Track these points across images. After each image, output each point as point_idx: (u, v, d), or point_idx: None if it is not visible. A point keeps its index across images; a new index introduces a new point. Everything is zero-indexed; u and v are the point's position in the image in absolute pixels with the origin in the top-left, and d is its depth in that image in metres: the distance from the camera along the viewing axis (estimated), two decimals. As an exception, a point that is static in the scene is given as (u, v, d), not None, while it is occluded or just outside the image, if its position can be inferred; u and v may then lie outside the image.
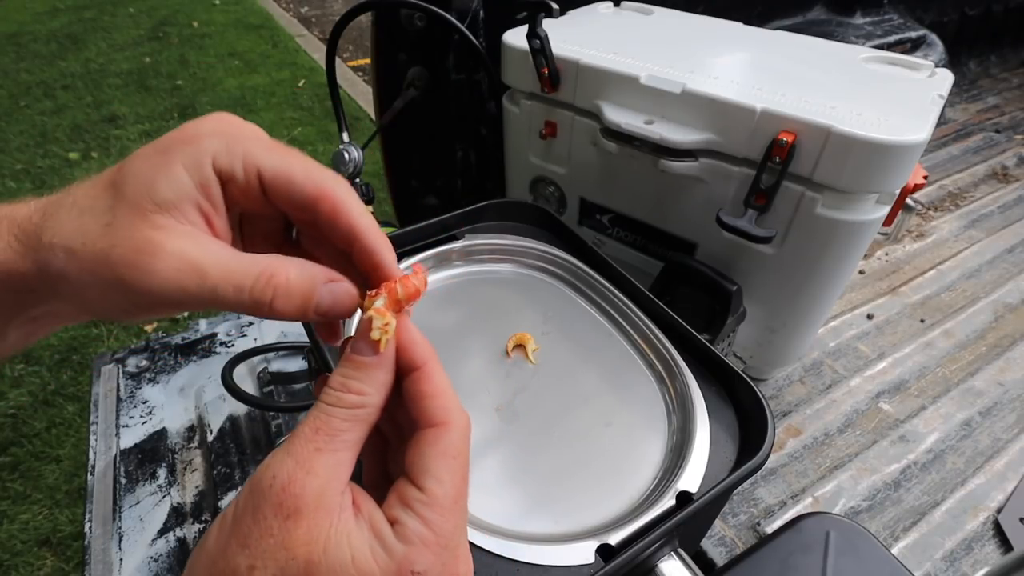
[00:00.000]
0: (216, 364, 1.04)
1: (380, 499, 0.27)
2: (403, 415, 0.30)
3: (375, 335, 0.28)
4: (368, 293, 0.30)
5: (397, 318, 0.29)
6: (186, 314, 2.28)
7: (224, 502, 0.85)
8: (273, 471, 0.24)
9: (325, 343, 0.36)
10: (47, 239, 0.26)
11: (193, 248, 0.26)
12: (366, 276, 0.31)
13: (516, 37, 0.87)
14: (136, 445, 0.92)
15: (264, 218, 0.33)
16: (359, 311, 0.30)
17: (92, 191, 0.27)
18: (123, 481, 0.87)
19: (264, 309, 0.27)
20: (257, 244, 0.34)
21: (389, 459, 0.32)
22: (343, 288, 0.29)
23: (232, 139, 0.28)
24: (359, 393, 0.27)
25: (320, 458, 0.25)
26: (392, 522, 0.25)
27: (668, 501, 0.50)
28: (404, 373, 0.29)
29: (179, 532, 0.81)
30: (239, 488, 0.87)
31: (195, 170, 0.27)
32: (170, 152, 0.27)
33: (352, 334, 0.29)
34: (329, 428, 0.26)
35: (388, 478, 0.31)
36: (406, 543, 0.24)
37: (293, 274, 0.27)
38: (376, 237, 0.30)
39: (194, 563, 0.25)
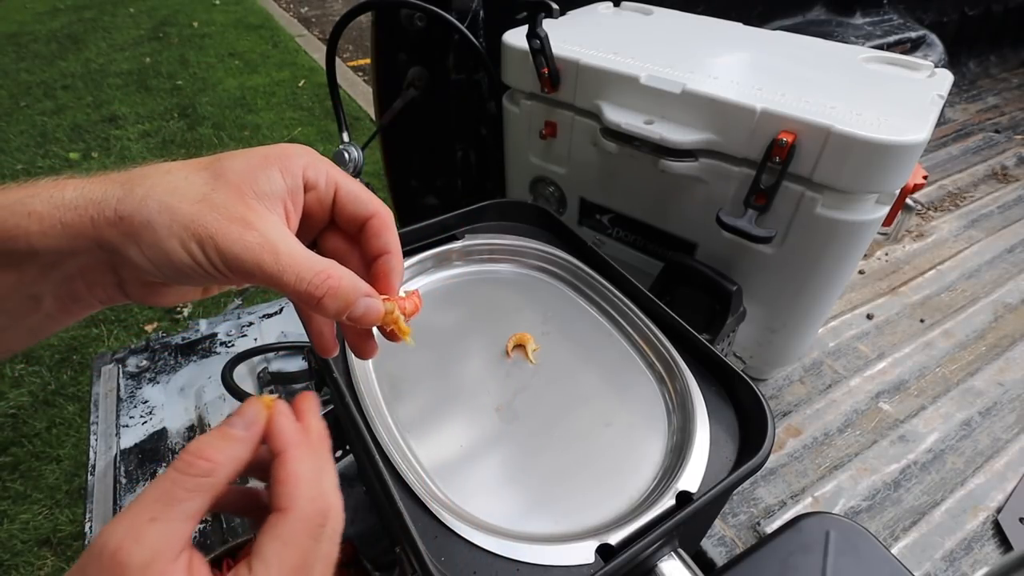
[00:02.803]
0: (216, 364, 1.04)
1: None
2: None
3: (391, 319, 0.35)
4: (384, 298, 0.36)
5: (273, 406, 0.32)
6: (186, 314, 2.28)
7: (224, 502, 0.85)
8: (106, 536, 0.25)
9: (322, 355, 0.41)
10: (140, 192, 0.30)
11: (275, 233, 0.31)
12: (376, 284, 0.36)
13: (516, 37, 0.87)
14: (136, 445, 0.92)
15: (307, 230, 0.38)
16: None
17: (185, 169, 0.32)
18: (123, 481, 0.87)
19: (312, 302, 0.32)
20: None
21: None
22: (375, 304, 0.34)
23: (317, 159, 0.35)
24: (210, 460, 0.28)
25: (152, 528, 0.25)
26: None
27: (668, 501, 0.50)
28: (273, 457, 0.30)
29: (179, 532, 0.81)
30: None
31: (290, 176, 0.33)
32: (270, 158, 0.33)
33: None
34: (169, 497, 0.26)
35: None
36: None
37: (345, 281, 0.32)
38: (399, 260, 0.37)
39: None
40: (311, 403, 0.34)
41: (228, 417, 0.31)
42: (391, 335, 0.37)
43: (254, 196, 0.31)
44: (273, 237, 0.31)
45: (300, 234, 0.36)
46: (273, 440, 0.31)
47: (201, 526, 0.82)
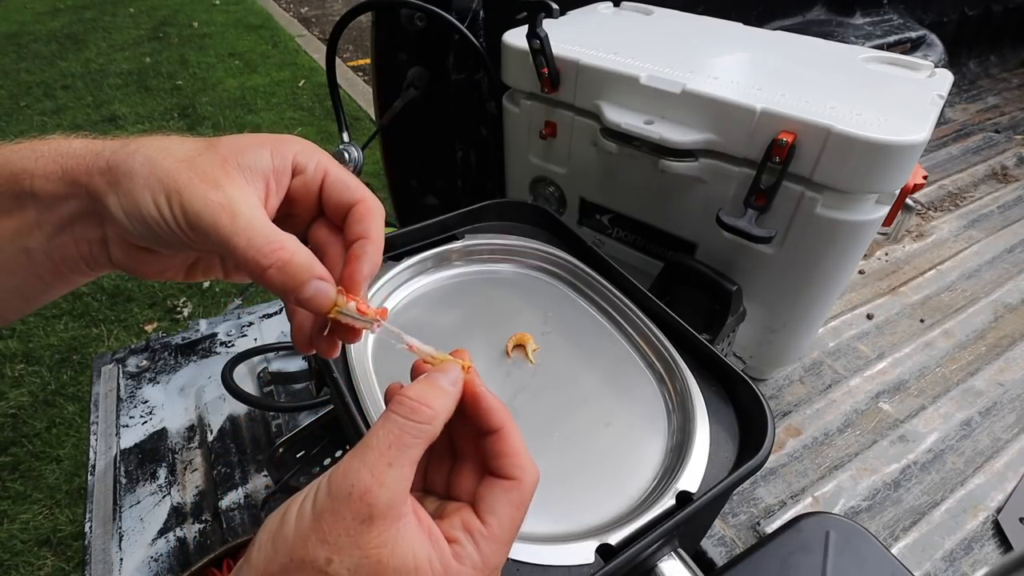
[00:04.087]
0: (216, 364, 1.04)
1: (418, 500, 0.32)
2: (460, 441, 0.35)
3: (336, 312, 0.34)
4: (339, 290, 0.34)
5: (477, 383, 0.34)
6: (186, 314, 2.28)
7: (224, 502, 0.85)
8: (352, 480, 0.27)
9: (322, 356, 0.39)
10: (133, 147, 0.32)
11: (241, 199, 0.32)
12: (346, 267, 0.35)
13: (516, 37, 0.87)
14: (136, 445, 0.92)
15: (295, 219, 0.38)
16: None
17: (187, 140, 0.34)
18: (123, 481, 0.87)
19: (259, 271, 0.31)
20: None
21: (430, 472, 0.36)
22: (325, 289, 0.33)
23: (311, 149, 0.36)
24: (432, 408, 0.30)
25: (391, 472, 0.28)
26: (451, 541, 0.29)
27: (668, 501, 0.50)
28: (485, 433, 0.33)
29: (179, 532, 0.81)
30: (239, 488, 0.87)
31: (279, 158, 0.34)
32: (264, 140, 0.35)
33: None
34: (401, 443, 0.29)
35: (424, 485, 0.36)
36: (460, 563, 0.29)
37: (297, 257, 0.32)
38: (375, 248, 0.35)
39: (273, 547, 0.27)
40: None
41: (430, 372, 0.33)
42: (346, 333, 0.36)
43: (236, 167, 0.32)
44: (237, 202, 0.31)
45: (289, 224, 0.36)
46: (491, 416, 0.33)
47: (200, 526, 0.82)
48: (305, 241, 0.39)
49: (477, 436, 0.34)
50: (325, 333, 0.37)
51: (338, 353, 0.39)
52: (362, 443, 0.29)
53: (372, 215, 0.36)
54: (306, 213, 0.37)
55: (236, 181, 0.32)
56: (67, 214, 0.33)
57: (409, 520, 0.28)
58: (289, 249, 0.32)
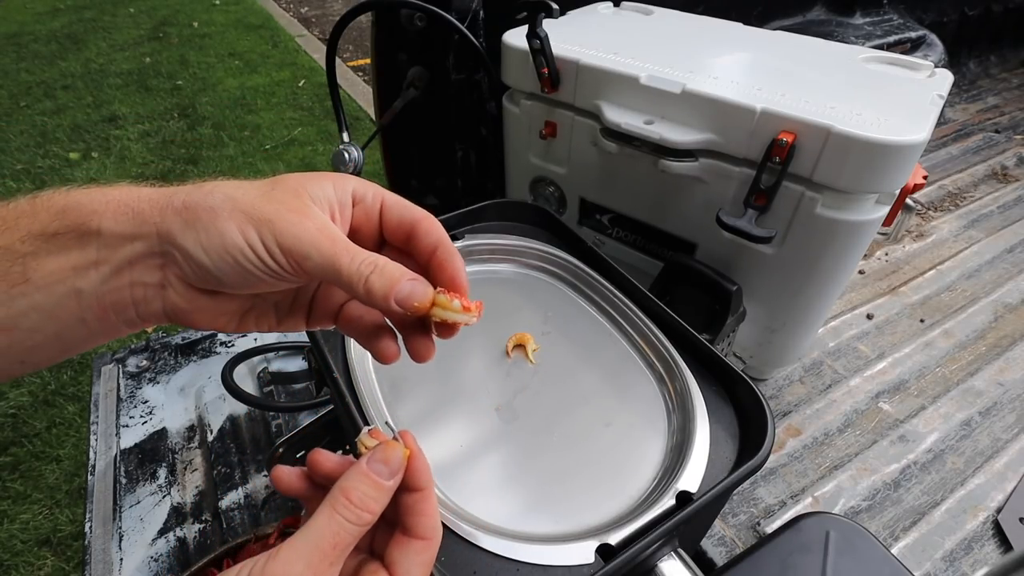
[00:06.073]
0: (216, 364, 1.04)
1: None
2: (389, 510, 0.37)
3: (442, 303, 0.35)
4: (439, 290, 0.37)
5: (410, 448, 0.36)
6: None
7: (224, 502, 0.85)
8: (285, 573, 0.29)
9: (381, 361, 0.41)
10: (208, 187, 0.34)
11: (330, 223, 0.35)
12: (440, 283, 0.38)
13: (516, 37, 0.87)
14: (136, 445, 0.92)
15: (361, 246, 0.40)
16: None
17: (253, 181, 0.36)
18: (123, 481, 0.87)
19: (361, 281, 0.34)
20: None
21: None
22: (422, 284, 0.35)
23: (368, 182, 0.39)
24: (372, 512, 0.33)
25: (330, 571, 0.30)
26: None
27: (668, 501, 0.50)
28: (407, 490, 0.35)
29: (179, 532, 0.81)
30: (239, 488, 0.87)
31: (340, 190, 0.37)
32: (326, 176, 0.37)
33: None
34: (343, 544, 0.31)
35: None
36: None
37: (391, 264, 0.35)
38: (456, 252, 0.38)
39: None
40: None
41: (373, 460, 0.34)
42: (443, 328, 0.38)
43: (309, 197, 0.35)
44: (330, 226, 0.34)
45: None
46: (418, 476, 0.35)
47: (200, 526, 0.82)
48: None
49: (400, 493, 0.35)
50: (430, 333, 0.39)
51: (434, 354, 0.40)
52: (304, 536, 0.31)
53: (438, 229, 0.38)
54: (369, 242, 0.39)
55: (319, 210, 0.35)
56: (129, 255, 0.33)
57: None
58: (383, 258, 0.35)
